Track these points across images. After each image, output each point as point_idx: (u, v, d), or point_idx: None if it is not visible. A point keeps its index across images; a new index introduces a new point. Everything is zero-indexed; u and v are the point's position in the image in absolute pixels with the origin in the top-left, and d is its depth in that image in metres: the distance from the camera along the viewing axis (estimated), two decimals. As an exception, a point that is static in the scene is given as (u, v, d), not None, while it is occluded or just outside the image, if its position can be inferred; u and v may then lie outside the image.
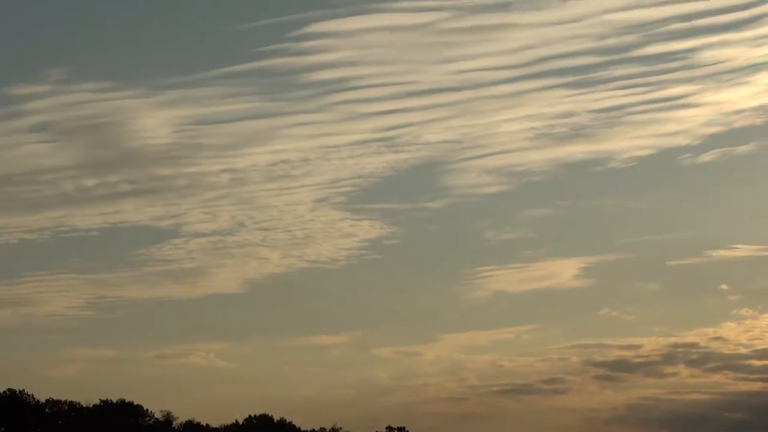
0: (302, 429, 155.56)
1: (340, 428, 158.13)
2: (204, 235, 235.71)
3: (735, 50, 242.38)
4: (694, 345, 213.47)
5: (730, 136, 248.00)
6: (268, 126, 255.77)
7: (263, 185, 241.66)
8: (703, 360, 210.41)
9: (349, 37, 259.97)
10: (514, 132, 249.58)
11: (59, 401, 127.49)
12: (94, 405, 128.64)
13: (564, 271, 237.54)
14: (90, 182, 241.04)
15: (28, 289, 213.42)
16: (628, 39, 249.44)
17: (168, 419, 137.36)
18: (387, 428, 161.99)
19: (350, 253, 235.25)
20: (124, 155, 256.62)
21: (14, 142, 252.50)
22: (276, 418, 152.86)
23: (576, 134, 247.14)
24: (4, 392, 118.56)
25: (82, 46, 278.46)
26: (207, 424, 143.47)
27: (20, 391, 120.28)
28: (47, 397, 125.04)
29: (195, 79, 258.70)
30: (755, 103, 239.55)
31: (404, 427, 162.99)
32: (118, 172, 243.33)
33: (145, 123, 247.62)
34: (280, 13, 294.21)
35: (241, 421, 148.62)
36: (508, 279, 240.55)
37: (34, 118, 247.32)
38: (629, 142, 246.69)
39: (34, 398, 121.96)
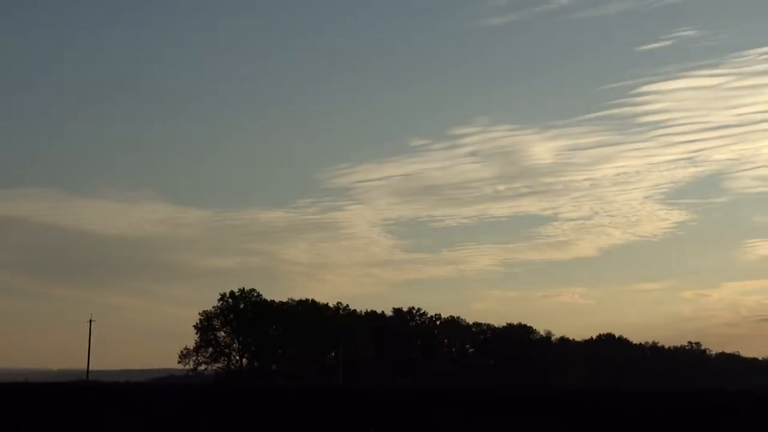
0: (633, 342, 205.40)
1: (657, 342, 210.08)
2: (572, 219, 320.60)
3: None
4: None
5: None
6: (614, 151, 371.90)
7: (610, 188, 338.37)
8: None
9: (667, 93, 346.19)
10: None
11: (481, 323, 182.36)
12: (502, 326, 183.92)
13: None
14: (501, 187, 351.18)
15: (463, 254, 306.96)
16: None
17: (548, 335, 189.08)
18: (688, 342, 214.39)
19: (665, 231, 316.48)
20: (523, 170, 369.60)
21: (455, 163, 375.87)
22: (616, 335, 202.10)
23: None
24: (445, 318, 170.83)
25: (498, 100, 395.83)
26: (573, 339, 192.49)
27: (457, 318, 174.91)
28: (473, 321, 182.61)
29: (568, 122, 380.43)
30: None
31: (699, 342, 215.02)
32: (519, 181, 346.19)
33: (536, 150, 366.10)
34: (621, 79, 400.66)
35: (594, 337, 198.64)
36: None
37: (468, 148, 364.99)
38: None
39: (466, 321, 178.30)
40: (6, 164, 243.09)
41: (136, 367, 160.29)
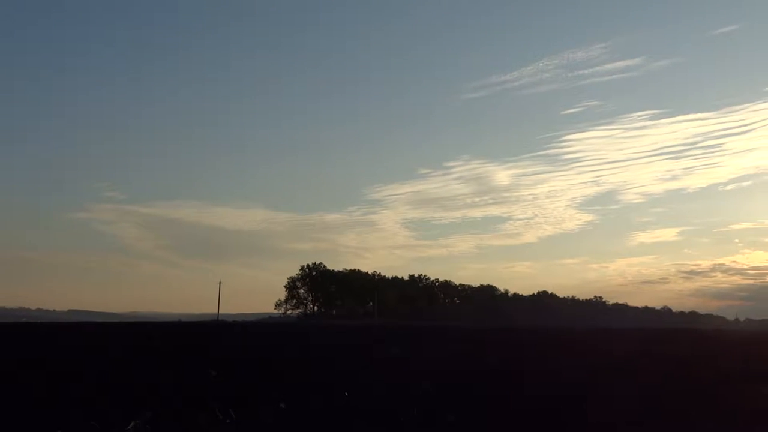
0: (559, 296, 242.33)
1: (575, 296, 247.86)
2: (520, 220, 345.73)
3: None
4: None
5: None
6: (547, 176, 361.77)
7: (544, 200, 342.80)
8: None
9: (580, 140, 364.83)
10: None
11: (464, 284, 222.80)
12: (477, 286, 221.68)
13: None
14: (476, 199, 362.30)
15: (452, 241, 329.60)
16: None
17: (506, 292, 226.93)
18: (594, 296, 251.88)
19: (579, 227, 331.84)
20: (490, 189, 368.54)
21: (447, 184, 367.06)
22: (549, 292, 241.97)
23: None
24: (441, 281, 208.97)
25: (475, 144, 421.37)
26: (521, 294, 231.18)
27: (448, 281, 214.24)
28: (459, 283, 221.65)
29: (518, 158, 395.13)
30: None
31: (601, 296, 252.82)
32: (488, 195, 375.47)
33: (498, 176, 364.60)
34: (552, 131, 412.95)
35: (535, 293, 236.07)
36: None
37: (455, 174, 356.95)
38: None
39: (454, 283, 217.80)
40: (170, 183, 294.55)
41: (248, 311, 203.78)
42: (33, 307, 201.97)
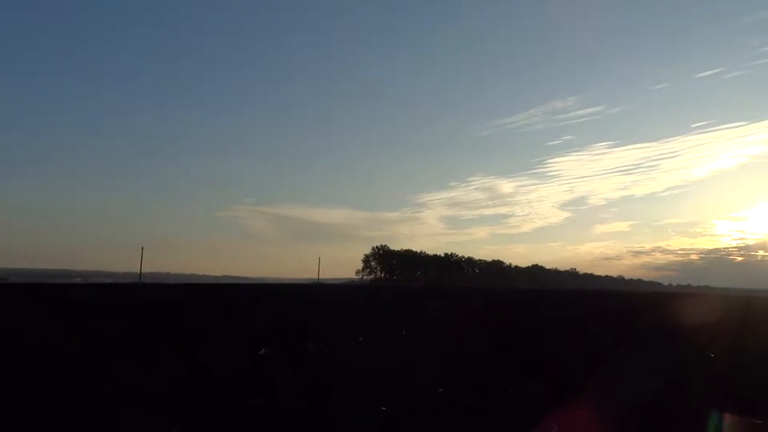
0: (547, 268, 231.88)
1: (558, 268, 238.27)
2: (519, 216, 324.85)
3: None
4: None
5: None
6: (537, 188, 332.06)
7: (535, 203, 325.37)
8: None
9: (559, 163, 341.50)
10: None
11: (482, 259, 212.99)
12: (491, 260, 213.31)
13: None
14: (491, 203, 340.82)
15: (474, 230, 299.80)
16: None
17: (510, 264, 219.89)
18: (570, 268, 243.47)
19: (561, 221, 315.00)
20: (499, 195, 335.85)
21: (468, 193, 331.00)
22: (540, 264, 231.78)
23: None
24: (465, 257, 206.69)
25: (487, 165, 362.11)
26: (521, 266, 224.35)
27: (470, 257, 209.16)
28: (478, 258, 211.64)
29: (516, 175, 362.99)
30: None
31: (575, 268, 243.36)
32: (498, 200, 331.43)
33: (504, 187, 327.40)
34: (539, 156, 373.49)
35: (530, 265, 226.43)
36: None
37: (475, 186, 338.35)
38: None
39: (475, 259, 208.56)
40: (284, 190, 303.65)
41: (336, 276, 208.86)
42: (198, 273, 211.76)
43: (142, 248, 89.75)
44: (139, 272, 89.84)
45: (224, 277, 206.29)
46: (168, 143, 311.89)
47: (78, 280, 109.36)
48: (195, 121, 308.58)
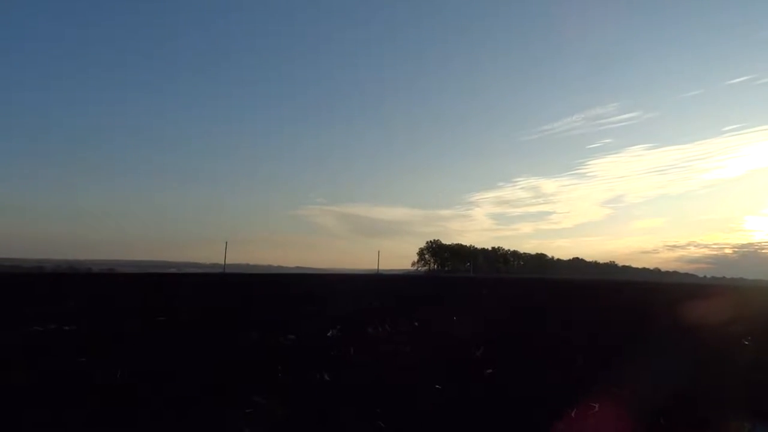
0: (587, 261, 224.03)
1: (598, 260, 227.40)
2: (561, 213, 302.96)
3: None
4: None
5: None
6: (577, 186, 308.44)
7: (576, 200, 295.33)
8: None
9: (598, 165, 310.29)
10: None
11: (526, 252, 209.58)
12: (534, 254, 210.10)
13: None
14: (535, 201, 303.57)
15: (519, 226, 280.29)
16: None
17: (553, 257, 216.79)
18: (610, 260, 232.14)
19: (602, 218, 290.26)
20: (543, 194, 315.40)
21: (515, 191, 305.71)
22: (580, 257, 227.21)
23: None
24: (512, 250, 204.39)
25: (531, 168, 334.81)
26: (562, 258, 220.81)
27: (515, 250, 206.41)
28: (523, 251, 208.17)
29: (559, 176, 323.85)
30: None
31: (614, 261, 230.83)
32: (542, 198, 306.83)
33: (548, 186, 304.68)
34: (579, 158, 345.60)
35: (571, 258, 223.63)
36: None
37: (521, 185, 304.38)
38: None
39: (520, 252, 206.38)
40: (351, 191, 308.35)
41: (394, 267, 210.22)
42: (275, 264, 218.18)
43: (226, 242, 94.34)
44: (223, 263, 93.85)
45: (296, 268, 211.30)
46: (249, 149, 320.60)
47: (173, 270, 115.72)
48: (278, 130, 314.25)
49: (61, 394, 4.96)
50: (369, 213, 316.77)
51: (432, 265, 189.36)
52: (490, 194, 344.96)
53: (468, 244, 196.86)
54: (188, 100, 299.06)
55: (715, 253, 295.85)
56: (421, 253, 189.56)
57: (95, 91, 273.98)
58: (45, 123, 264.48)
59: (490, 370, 6.40)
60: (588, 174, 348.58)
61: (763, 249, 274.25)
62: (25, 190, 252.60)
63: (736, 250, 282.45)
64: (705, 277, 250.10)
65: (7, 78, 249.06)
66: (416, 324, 11.09)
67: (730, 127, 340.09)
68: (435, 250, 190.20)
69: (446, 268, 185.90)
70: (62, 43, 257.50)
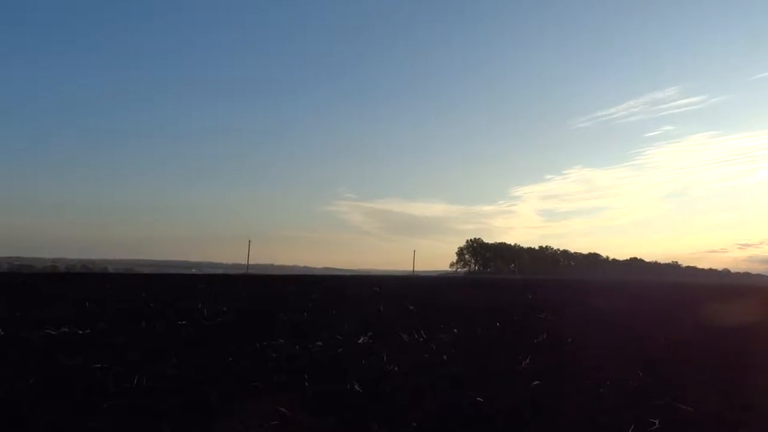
0: (619, 260, 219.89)
1: (636, 257, 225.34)
2: (617, 208, 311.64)
3: None
4: None
5: None
6: (633, 180, 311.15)
7: (630, 196, 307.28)
8: None
9: (655, 155, 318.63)
10: None
11: (568, 251, 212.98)
12: (577, 252, 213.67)
13: None
14: (587, 195, 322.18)
15: (569, 222, 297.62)
16: None
17: (591, 254, 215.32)
18: (671, 260, 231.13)
19: (663, 211, 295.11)
20: (595, 187, 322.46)
21: (564, 184, 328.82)
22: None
23: None
24: (555, 249, 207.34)
25: (578, 159, 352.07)
26: (578, 252, 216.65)
27: (559, 249, 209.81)
28: (575, 250, 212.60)
29: (613, 167, 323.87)
30: None
31: (677, 260, 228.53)
32: (596, 192, 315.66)
33: (601, 178, 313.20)
34: (637, 147, 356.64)
35: (631, 258, 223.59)
36: None
37: (573, 178, 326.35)
38: None
39: (569, 251, 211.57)
40: (383, 186, 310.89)
41: (431, 268, 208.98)
42: (301, 264, 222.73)
43: (249, 241, 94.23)
44: (246, 263, 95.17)
45: (324, 269, 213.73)
46: (272, 144, 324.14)
47: (194, 270, 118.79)
48: (302, 124, 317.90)
49: (76, 400, 5.01)
50: (403, 209, 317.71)
51: (472, 266, 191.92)
52: (537, 188, 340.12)
53: (512, 243, 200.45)
54: (212, 96, 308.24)
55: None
56: (460, 252, 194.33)
57: (118, 88, 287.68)
58: (65, 121, 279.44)
59: (537, 382, 6.24)
60: (647, 165, 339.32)
61: None
62: (42, 188, 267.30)
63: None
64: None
65: (29, 75, 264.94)
66: (455, 331, 10.98)
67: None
68: (476, 249, 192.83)
69: (488, 270, 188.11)
70: (86, 40, 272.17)
